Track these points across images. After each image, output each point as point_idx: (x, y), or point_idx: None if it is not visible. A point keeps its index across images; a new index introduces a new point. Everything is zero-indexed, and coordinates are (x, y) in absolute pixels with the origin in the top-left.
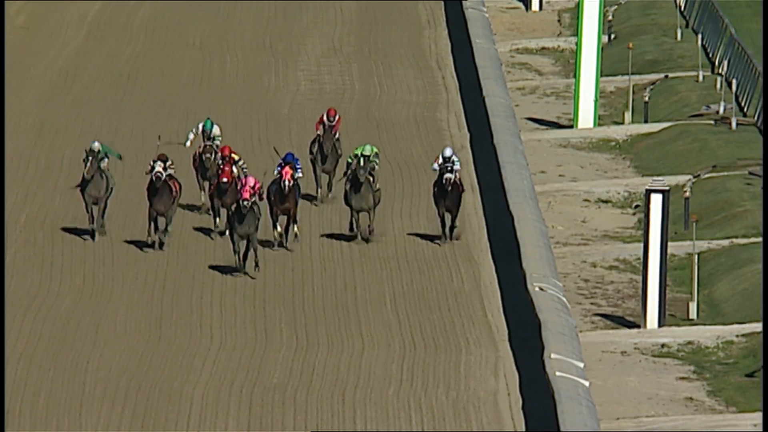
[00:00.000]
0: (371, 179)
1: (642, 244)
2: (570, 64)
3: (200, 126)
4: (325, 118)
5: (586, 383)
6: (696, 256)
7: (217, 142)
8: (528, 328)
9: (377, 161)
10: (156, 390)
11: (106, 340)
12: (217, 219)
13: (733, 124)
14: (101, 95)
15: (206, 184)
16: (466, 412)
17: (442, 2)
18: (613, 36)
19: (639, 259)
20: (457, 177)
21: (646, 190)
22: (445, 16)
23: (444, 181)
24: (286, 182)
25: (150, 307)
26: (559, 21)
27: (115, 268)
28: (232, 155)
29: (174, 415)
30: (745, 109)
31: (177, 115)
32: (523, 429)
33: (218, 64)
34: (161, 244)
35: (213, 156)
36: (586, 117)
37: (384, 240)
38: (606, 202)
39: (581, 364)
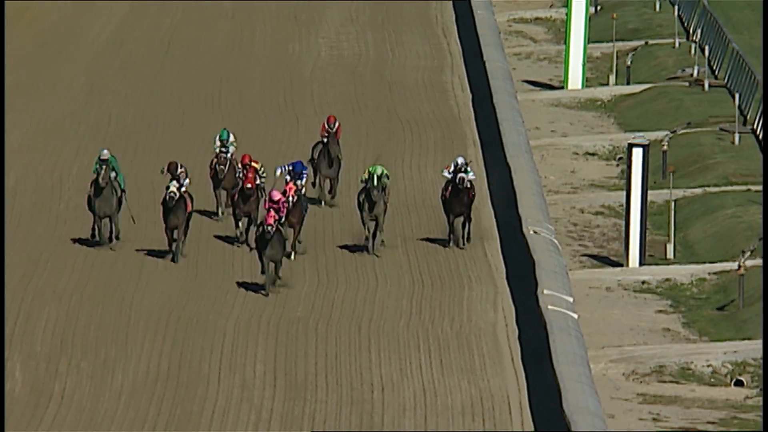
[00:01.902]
0: (383, 195)
1: (625, 192)
2: (561, 32)
3: (216, 138)
4: (326, 124)
5: (575, 316)
6: (673, 203)
7: (232, 149)
8: (523, 267)
9: (387, 181)
10: (193, 322)
11: (149, 279)
12: (239, 224)
13: (706, 86)
14: (144, 61)
15: (223, 194)
16: (468, 341)
17: None
18: (599, 7)
19: (622, 205)
20: (471, 184)
21: (628, 144)
22: None
23: (458, 180)
24: (290, 198)
25: (187, 249)
26: None
27: (158, 215)
28: (253, 163)
29: (209, 344)
30: (716, 72)
31: (211, 79)
32: (523, 373)
33: (248, 33)
34: (176, 257)
35: (226, 167)
36: (575, 79)
37: (395, 191)
38: (593, 154)
39: (571, 299)
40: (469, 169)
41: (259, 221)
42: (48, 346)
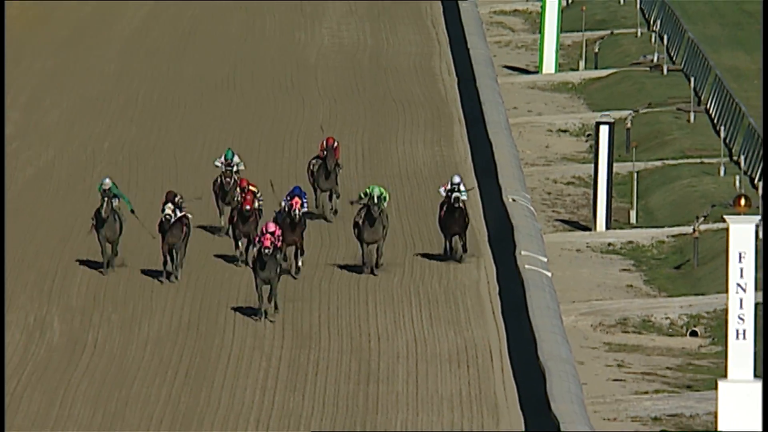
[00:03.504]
0: (382, 216)
1: (593, 165)
2: (536, 23)
3: (221, 158)
4: (325, 144)
5: (549, 274)
6: (635, 174)
7: (238, 169)
8: (503, 230)
9: (385, 202)
10: (210, 280)
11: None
12: (240, 243)
13: (665, 71)
14: (167, 47)
15: (227, 209)
16: (455, 296)
17: None
18: (570, 1)
19: (590, 176)
20: (464, 204)
21: (596, 122)
22: None
23: (453, 200)
24: (297, 211)
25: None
26: None
27: (180, 184)
28: (251, 187)
29: (225, 299)
30: (674, 58)
31: (228, 63)
32: (503, 325)
33: (260, 23)
34: (175, 276)
35: (232, 181)
36: (549, 65)
37: (389, 164)
38: (564, 131)
39: (545, 259)
40: (462, 188)
41: (257, 244)
42: (82, 301)
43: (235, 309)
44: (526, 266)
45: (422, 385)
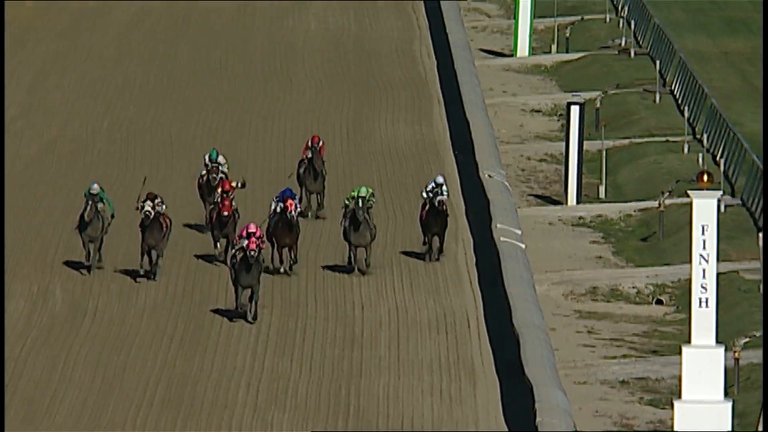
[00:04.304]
0: (368, 218)
1: (564, 143)
2: (511, 9)
3: (206, 156)
4: (310, 143)
5: (523, 246)
6: (604, 152)
7: (223, 168)
8: (480, 205)
9: (374, 200)
10: (205, 255)
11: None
12: (218, 245)
13: (632, 54)
14: (163, 32)
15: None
16: (434, 267)
17: None
18: None
19: (562, 153)
20: (446, 206)
21: (567, 102)
22: None
23: (437, 203)
24: (292, 213)
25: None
26: None
27: (174, 157)
28: (232, 183)
29: (217, 271)
30: (641, 43)
31: (220, 47)
32: (480, 294)
33: (250, 9)
34: (153, 275)
35: (218, 176)
36: (522, 48)
37: (372, 141)
38: (538, 111)
39: (519, 232)
40: (444, 189)
41: (237, 247)
42: (83, 271)
43: (227, 279)
44: (502, 238)
45: (403, 350)
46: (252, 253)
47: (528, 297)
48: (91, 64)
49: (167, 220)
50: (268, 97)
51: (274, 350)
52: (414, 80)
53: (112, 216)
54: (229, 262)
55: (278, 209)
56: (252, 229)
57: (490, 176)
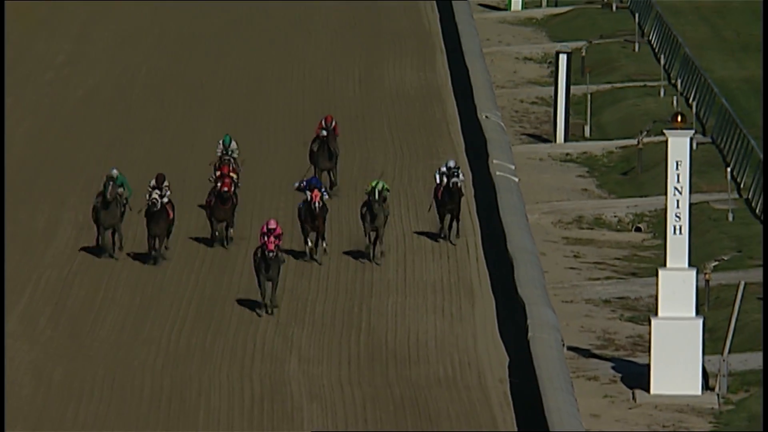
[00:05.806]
0: (382, 207)
1: (553, 87)
2: None
3: (220, 142)
4: (324, 123)
5: (516, 179)
6: (589, 95)
7: (235, 155)
8: (478, 142)
9: (387, 193)
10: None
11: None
12: (216, 233)
13: (614, 8)
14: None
15: None
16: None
17: None
18: None
19: (551, 97)
20: (461, 187)
21: (556, 51)
22: None
23: (451, 185)
24: (316, 204)
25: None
26: None
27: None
28: (231, 174)
29: (244, 205)
30: None
31: (246, 1)
32: (478, 222)
33: None
34: (155, 260)
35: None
36: (516, 3)
37: (382, 86)
38: (530, 59)
39: (513, 167)
40: (458, 172)
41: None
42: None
43: (252, 209)
44: (497, 173)
45: (409, 272)
46: (270, 254)
47: (521, 225)
48: (130, 17)
49: (172, 209)
50: (288, 46)
51: (294, 272)
52: (419, 31)
53: (126, 200)
54: (252, 255)
55: (307, 198)
56: (272, 225)
57: (487, 117)
